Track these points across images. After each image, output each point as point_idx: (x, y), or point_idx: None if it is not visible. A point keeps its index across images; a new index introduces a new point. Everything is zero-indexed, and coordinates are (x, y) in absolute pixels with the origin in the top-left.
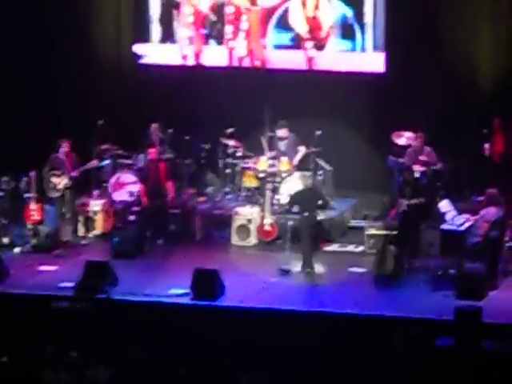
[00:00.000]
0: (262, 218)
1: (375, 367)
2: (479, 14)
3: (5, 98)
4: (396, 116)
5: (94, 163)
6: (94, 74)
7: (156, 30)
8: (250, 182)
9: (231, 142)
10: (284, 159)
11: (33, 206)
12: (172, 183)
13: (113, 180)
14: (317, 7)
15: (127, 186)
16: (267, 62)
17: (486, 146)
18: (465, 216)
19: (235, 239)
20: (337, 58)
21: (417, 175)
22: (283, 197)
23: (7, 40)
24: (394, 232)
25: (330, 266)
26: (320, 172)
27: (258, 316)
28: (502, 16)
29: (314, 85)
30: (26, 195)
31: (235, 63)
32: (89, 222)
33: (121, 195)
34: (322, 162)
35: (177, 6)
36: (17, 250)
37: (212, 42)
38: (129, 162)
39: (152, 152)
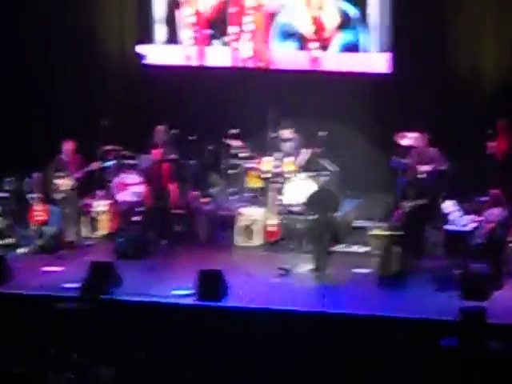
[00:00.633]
0: (267, 218)
1: (380, 367)
2: (485, 14)
3: (8, 98)
4: (401, 116)
5: (96, 164)
6: (98, 74)
7: (161, 30)
8: (253, 182)
9: (235, 143)
10: (289, 160)
11: (37, 206)
12: (176, 184)
13: (117, 181)
14: (322, 7)
15: (131, 187)
16: (272, 63)
17: (490, 145)
18: (469, 216)
19: (239, 240)
20: (341, 58)
21: (421, 176)
22: (288, 197)
23: (10, 40)
24: (399, 233)
25: (334, 266)
26: (325, 173)
27: (264, 316)
28: (508, 17)
29: (319, 85)
30: (30, 196)
31: (239, 64)
32: (93, 223)
33: (125, 196)
34: (327, 163)
35: (180, 7)
36: (22, 250)
37: (216, 42)
38: (133, 162)
39: (156, 153)
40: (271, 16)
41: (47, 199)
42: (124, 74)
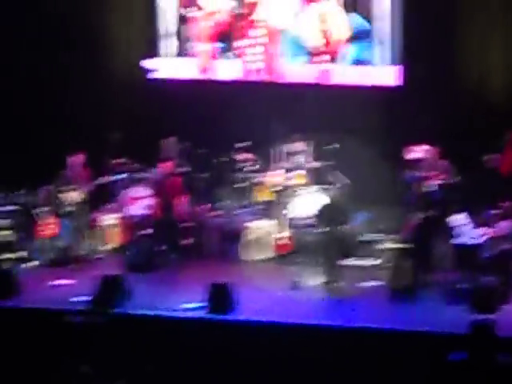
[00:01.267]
0: (277, 231)
1: (390, 381)
2: (495, 27)
3: (18, 113)
4: (411, 129)
5: (106, 178)
6: (108, 88)
7: (170, 44)
8: (263, 195)
9: (245, 156)
10: (299, 173)
11: (48, 219)
12: (186, 197)
13: (126, 194)
14: (332, 20)
15: (141, 200)
16: (281, 76)
17: (497, 158)
18: (480, 230)
19: (249, 253)
20: (351, 71)
21: (431, 189)
22: (298, 210)
23: (20, 55)
24: (409, 246)
25: (345, 279)
26: (336, 186)
27: (274, 330)
28: None
29: (329, 98)
30: (40, 209)
31: (250, 77)
32: (103, 236)
33: (134, 209)
34: (337, 176)
35: (191, 20)
36: (32, 264)
37: (226, 55)
38: (143, 175)
39: (167, 166)
40: (281, 29)
41: (57, 213)
42: (133, 88)
